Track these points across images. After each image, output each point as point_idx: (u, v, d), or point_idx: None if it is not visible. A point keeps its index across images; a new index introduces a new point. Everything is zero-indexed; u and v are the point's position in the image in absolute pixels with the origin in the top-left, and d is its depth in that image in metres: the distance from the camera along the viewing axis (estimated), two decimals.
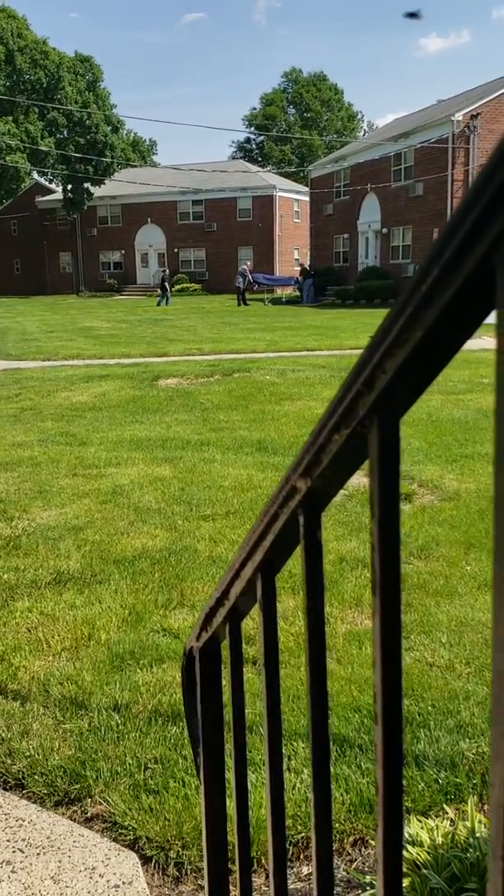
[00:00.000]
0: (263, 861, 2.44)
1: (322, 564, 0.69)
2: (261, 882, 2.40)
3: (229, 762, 1.30)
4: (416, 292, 0.43)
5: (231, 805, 1.24)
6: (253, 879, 2.41)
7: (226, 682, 1.17)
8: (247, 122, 78.12)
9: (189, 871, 2.40)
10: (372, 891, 2.02)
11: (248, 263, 44.06)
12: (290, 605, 4.07)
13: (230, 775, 1.12)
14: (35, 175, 52.70)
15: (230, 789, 1.36)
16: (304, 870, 2.46)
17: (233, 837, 1.57)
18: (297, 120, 77.00)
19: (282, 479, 0.67)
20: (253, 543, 0.78)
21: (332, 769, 2.71)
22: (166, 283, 40.04)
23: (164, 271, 44.16)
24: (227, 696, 1.22)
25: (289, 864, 2.45)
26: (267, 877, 2.46)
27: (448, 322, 0.43)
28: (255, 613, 0.90)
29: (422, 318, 0.43)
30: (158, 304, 38.13)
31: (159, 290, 40.06)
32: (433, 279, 0.41)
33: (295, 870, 2.44)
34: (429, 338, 0.44)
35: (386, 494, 0.51)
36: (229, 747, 1.25)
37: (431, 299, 0.42)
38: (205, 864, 1.55)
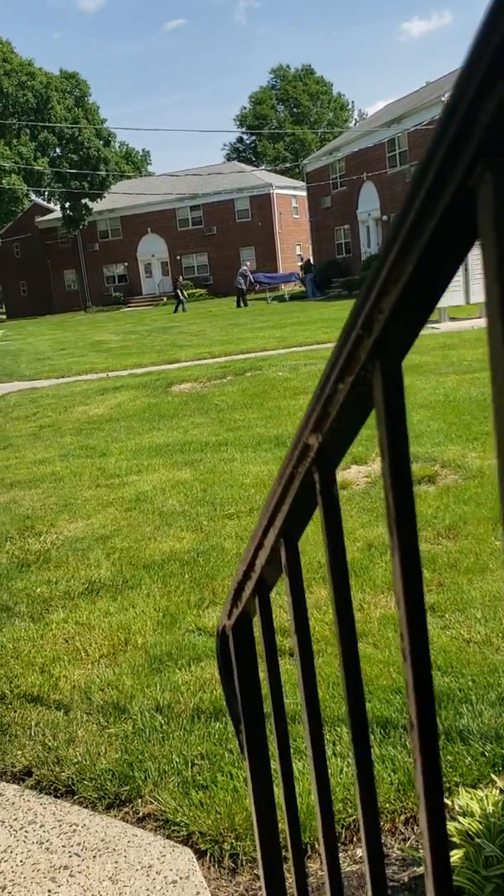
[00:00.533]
0: (317, 846, 2.45)
1: (341, 521, 0.70)
2: (316, 867, 2.41)
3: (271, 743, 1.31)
4: (404, 224, 0.44)
5: (279, 793, 1.26)
6: (308, 864, 2.42)
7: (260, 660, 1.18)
8: (238, 123, 78.19)
9: (245, 862, 2.41)
10: None
11: (249, 264, 44.08)
12: (322, 594, 4.07)
13: (273, 749, 1.13)
14: (32, 196, 53.07)
15: (277, 778, 1.37)
16: (358, 852, 2.47)
17: (284, 824, 1.59)
18: (288, 116, 76.94)
19: (293, 440, 0.68)
20: (272, 510, 0.80)
21: (377, 750, 2.72)
22: (180, 290, 40.02)
23: (178, 278, 44.19)
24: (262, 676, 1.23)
25: (342, 847, 2.46)
26: (321, 862, 2.47)
27: (437, 251, 0.44)
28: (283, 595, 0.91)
29: (411, 251, 0.44)
30: (175, 311, 38.11)
31: (175, 297, 39.98)
32: (418, 208, 0.42)
33: (349, 852, 2.45)
34: (420, 270, 0.45)
35: (393, 436, 0.52)
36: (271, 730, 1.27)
37: (418, 230, 0.43)
38: (258, 848, 1.56)
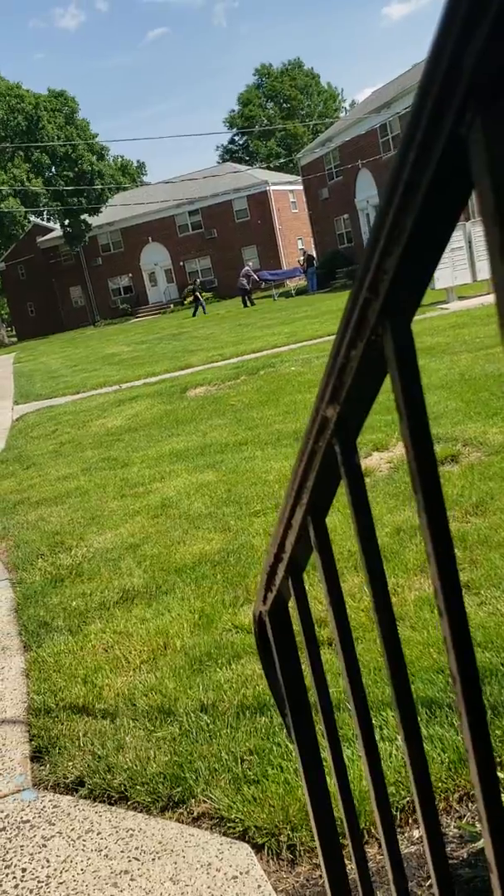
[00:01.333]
0: (373, 830, 2.45)
1: (366, 490, 0.71)
2: (374, 851, 2.41)
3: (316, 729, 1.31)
4: (399, 180, 0.44)
5: (331, 782, 1.26)
6: (366, 850, 2.42)
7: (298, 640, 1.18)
8: (228, 125, 78.25)
9: (302, 853, 2.42)
10: (477, 844, 2.02)
11: (251, 263, 44.06)
12: (355, 582, 4.07)
13: (320, 731, 1.14)
14: (31, 217, 53.41)
15: (327, 766, 1.38)
16: (416, 833, 2.47)
17: (338, 810, 1.59)
18: (278, 112, 76.86)
19: (311, 414, 0.69)
20: (297, 487, 0.80)
21: (425, 731, 2.72)
22: (198, 293, 39.85)
23: (194, 281, 44.03)
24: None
25: (398, 829, 2.46)
26: (379, 846, 2.47)
27: (435, 203, 0.44)
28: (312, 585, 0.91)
29: (409, 207, 0.44)
30: (194, 314, 37.99)
31: (194, 300, 39.75)
32: (412, 162, 0.43)
33: (406, 834, 2.45)
34: (420, 225, 0.45)
35: (410, 395, 0.52)
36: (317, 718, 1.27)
37: (415, 184, 0.43)
38: (315, 833, 1.56)
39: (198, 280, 44.42)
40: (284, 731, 2.90)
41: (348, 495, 0.70)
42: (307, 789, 1.15)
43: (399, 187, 0.45)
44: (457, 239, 15.67)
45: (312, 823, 1.15)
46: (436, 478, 0.54)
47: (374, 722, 2.87)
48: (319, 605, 3.46)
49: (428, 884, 2.24)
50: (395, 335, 0.52)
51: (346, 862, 1.65)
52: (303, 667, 1.34)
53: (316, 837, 1.17)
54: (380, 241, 0.49)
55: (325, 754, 1.38)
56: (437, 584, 0.55)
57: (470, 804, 2.50)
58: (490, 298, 15.83)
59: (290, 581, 0.97)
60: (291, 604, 1.13)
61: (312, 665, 0.99)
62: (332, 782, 1.38)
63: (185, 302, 39.91)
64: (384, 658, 0.70)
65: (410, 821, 2.50)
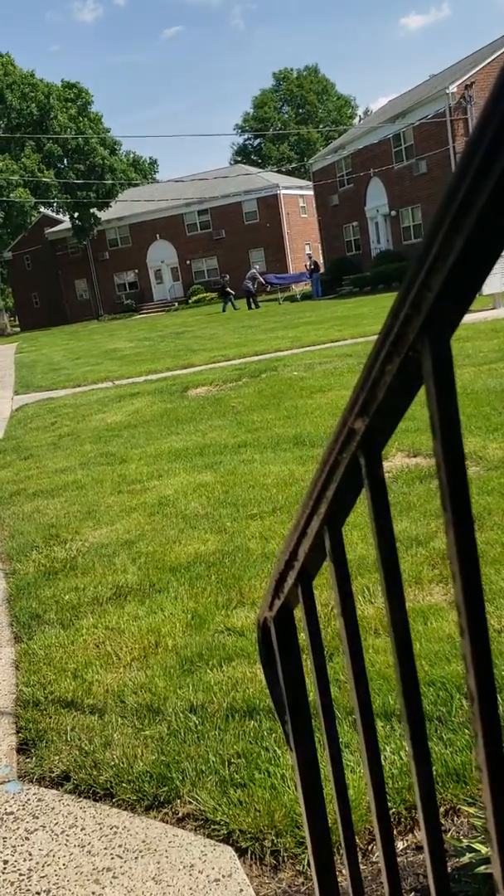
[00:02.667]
0: (357, 840, 2.45)
1: (388, 503, 0.71)
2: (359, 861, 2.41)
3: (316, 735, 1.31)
4: (453, 201, 0.44)
5: (327, 772, 1.26)
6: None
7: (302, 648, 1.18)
8: (241, 129, 78.38)
9: (286, 859, 2.42)
10: (471, 854, 2.02)
11: (258, 266, 44.04)
12: (356, 587, 4.07)
13: (319, 742, 1.14)
14: (41, 207, 53.39)
15: (324, 768, 1.38)
16: (399, 845, 2.47)
17: (332, 816, 1.59)
18: (293, 116, 77.01)
19: (337, 425, 0.69)
20: (316, 496, 0.80)
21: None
22: (228, 288, 39.27)
23: (223, 277, 43.50)
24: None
25: None
26: (364, 855, 2.47)
27: (485, 226, 0.44)
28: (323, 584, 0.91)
29: (460, 227, 0.45)
30: (223, 310, 37.55)
31: (224, 296, 39.09)
32: (468, 186, 0.43)
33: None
34: (469, 245, 0.45)
35: (447, 412, 0.52)
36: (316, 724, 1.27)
37: (467, 207, 0.44)
38: (308, 841, 1.55)
39: (226, 276, 43.90)
40: (278, 736, 2.90)
41: (370, 507, 0.70)
42: (303, 798, 1.15)
43: (452, 208, 0.45)
44: None
45: (306, 832, 1.15)
46: (467, 496, 0.54)
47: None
48: (321, 609, 3.46)
49: None
50: (434, 353, 0.53)
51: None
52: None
53: (309, 846, 1.17)
54: (428, 258, 0.49)
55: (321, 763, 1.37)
56: (461, 601, 0.55)
57: (455, 818, 2.50)
58: (495, 313, 15.85)
59: (300, 589, 0.97)
60: (297, 612, 1.13)
61: (317, 674, 0.99)
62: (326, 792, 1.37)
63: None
64: (396, 672, 0.70)
65: (395, 832, 2.50)
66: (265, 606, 1.10)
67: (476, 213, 0.43)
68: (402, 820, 2.49)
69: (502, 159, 0.41)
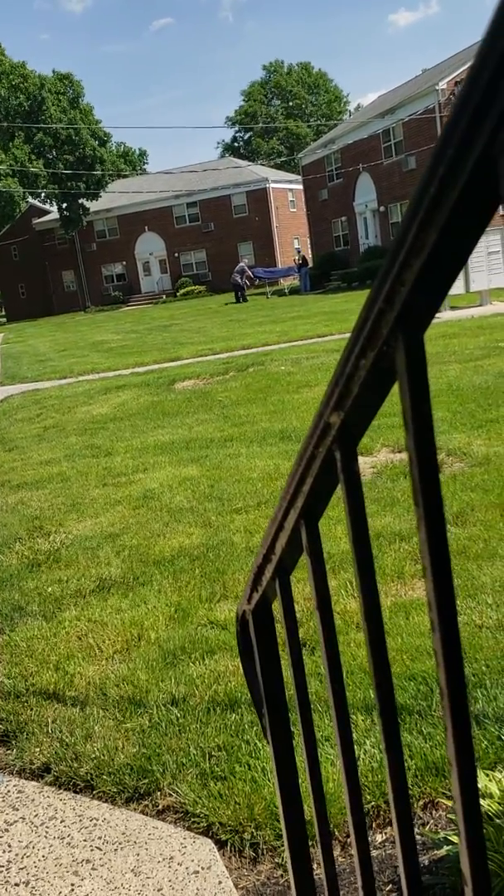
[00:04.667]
0: (337, 833, 2.46)
1: (363, 498, 0.71)
2: (336, 853, 2.42)
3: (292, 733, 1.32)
4: (425, 196, 0.44)
5: (302, 772, 1.26)
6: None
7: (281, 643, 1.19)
8: (230, 123, 78.11)
9: (265, 851, 2.43)
10: (448, 847, 2.04)
11: (246, 259, 43.84)
12: (332, 585, 4.08)
13: (298, 740, 1.14)
14: (29, 198, 53.02)
15: (300, 760, 1.38)
16: (378, 838, 2.48)
17: (308, 809, 1.60)
18: (282, 110, 76.80)
19: (314, 419, 0.69)
20: (293, 490, 0.80)
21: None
22: (242, 276, 38.23)
23: (244, 260, 42.08)
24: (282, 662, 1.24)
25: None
26: (343, 848, 2.48)
27: (458, 220, 0.44)
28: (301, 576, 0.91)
29: (433, 222, 0.45)
30: (237, 301, 36.71)
31: (239, 287, 38.10)
32: (440, 179, 0.43)
33: (369, 838, 2.46)
34: (443, 240, 0.45)
35: (418, 409, 0.52)
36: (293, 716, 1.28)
37: (441, 200, 0.44)
38: (284, 835, 1.55)
39: (243, 263, 42.61)
40: (259, 729, 2.91)
41: (346, 501, 0.71)
42: (279, 790, 1.15)
43: (424, 202, 0.45)
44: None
45: (283, 824, 1.16)
46: (438, 492, 0.54)
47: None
48: (297, 605, 3.46)
49: (388, 888, 2.26)
50: (408, 347, 0.53)
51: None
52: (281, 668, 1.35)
53: (285, 838, 1.18)
54: (401, 253, 0.49)
55: (298, 755, 1.38)
56: (433, 597, 0.55)
57: (434, 811, 2.52)
58: (481, 310, 15.91)
59: (278, 582, 0.97)
60: (275, 605, 1.13)
61: (294, 666, 0.99)
62: (302, 785, 1.38)
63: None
64: (370, 665, 0.71)
65: (374, 825, 2.51)
66: (244, 599, 1.10)
67: (448, 208, 0.43)
68: (382, 813, 2.51)
69: (475, 152, 0.41)
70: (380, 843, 2.46)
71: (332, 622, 0.85)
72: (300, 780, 1.31)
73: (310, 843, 1.41)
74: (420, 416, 0.52)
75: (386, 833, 2.49)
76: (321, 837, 1.03)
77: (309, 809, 1.41)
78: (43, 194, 53.28)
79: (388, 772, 0.73)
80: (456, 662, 0.56)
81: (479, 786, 2.14)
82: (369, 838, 2.50)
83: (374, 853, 2.42)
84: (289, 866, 1.18)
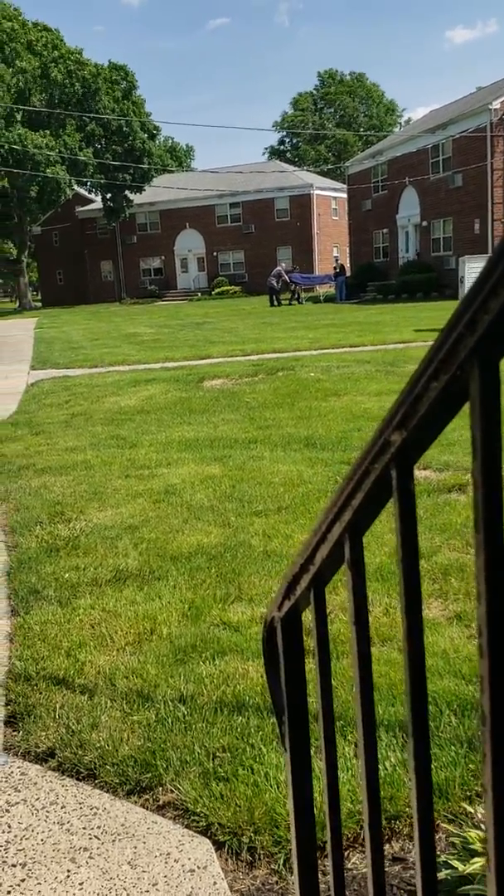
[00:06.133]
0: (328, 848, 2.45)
1: (416, 518, 0.71)
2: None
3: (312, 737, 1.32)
4: None
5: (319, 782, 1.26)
6: (327, 864, 2.43)
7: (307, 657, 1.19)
8: (278, 129, 78.21)
9: (262, 856, 2.42)
10: (447, 871, 2.02)
11: (283, 264, 43.84)
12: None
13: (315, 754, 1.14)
14: (74, 186, 53.44)
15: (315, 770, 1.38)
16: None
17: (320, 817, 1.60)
18: (331, 118, 76.80)
19: (373, 435, 0.69)
20: (341, 503, 0.81)
21: (399, 755, 2.72)
22: (290, 279, 37.99)
23: (293, 268, 41.63)
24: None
25: (359, 847, 2.46)
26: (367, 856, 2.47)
27: None
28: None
29: None
30: (291, 303, 36.69)
31: (290, 288, 37.89)
32: None
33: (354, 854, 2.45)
34: None
35: (489, 434, 0.53)
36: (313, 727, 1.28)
37: None
38: (293, 845, 1.56)
39: (283, 265, 42.15)
40: (265, 734, 2.91)
41: (397, 519, 0.71)
42: (293, 799, 1.15)
43: None
44: None
45: (292, 834, 1.16)
46: (500, 519, 0.54)
47: (350, 738, 2.87)
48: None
49: None
50: (483, 374, 0.53)
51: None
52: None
53: (294, 846, 1.18)
54: (489, 282, 0.49)
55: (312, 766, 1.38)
56: (483, 623, 0.55)
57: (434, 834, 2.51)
58: None
59: (313, 592, 0.97)
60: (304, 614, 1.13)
61: (321, 679, 0.99)
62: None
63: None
64: (406, 688, 0.71)
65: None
66: (274, 606, 1.10)
67: None
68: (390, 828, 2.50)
69: None
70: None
71: (367, 636, 0.85)
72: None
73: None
74: (489, 443, 0.52)
75: (385, 849, 2.48)
76: (333, 850, 1.03)
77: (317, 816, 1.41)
78: (89, 183, 53.65)
79: (415, 794, 0.73)
80: (501, 688, 0.56)
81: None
82: (355, 856, 2.49)
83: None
84: (295, 875, 1.18)
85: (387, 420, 0.67)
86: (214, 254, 53.75)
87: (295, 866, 1.17)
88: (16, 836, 2.57)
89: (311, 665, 1.50)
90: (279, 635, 1.09)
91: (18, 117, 45.48)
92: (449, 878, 1.96)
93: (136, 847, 2.49)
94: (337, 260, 47.59)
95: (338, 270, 39.48)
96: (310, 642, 1.17)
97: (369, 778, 0.86)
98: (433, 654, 3.43)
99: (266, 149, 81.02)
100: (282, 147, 78.54)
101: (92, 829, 2.59)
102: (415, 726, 0.70)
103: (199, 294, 51.38)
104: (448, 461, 6.25)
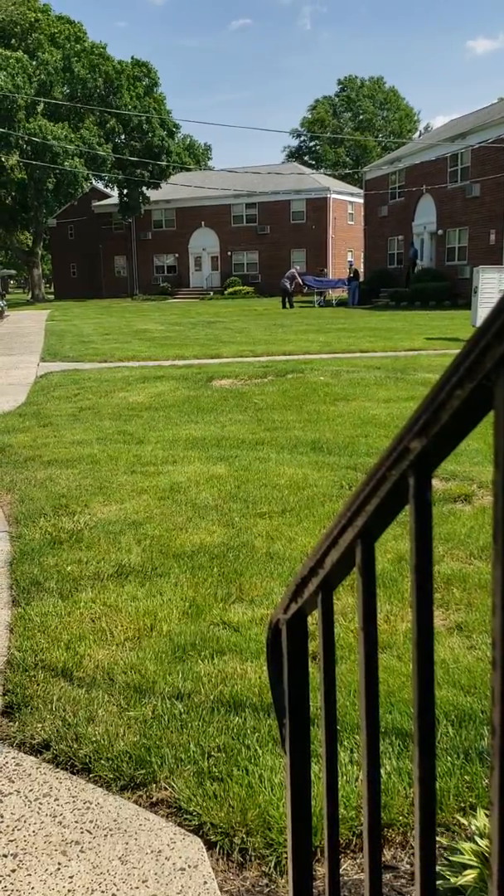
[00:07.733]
0: (320, 855, 2.45)
1: (431, 525, 0.71)
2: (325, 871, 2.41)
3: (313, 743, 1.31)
4: None
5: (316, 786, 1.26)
6: (318, 868, 2.42)
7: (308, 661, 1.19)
8: (296, 134, 78.27)
9: (253, 858, 2.42)
10: (439, 882, 2.02)
11: (298, 266, 43.84)
12: (349, 602, 4.07)
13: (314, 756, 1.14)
14: (92, 180, 53.56)
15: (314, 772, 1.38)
16: (348, 863, 2.46)
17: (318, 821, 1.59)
18: (350, 122, 76.80)
19: (392, 442, 0.69)
20: (355, 509, 0.80)
21: (395, 762, 2.71)
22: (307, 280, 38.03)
23: (295, 269, 41.71)
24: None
25: (352, 853, 2.45)
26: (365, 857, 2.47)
27: None
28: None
29: None
30: (319, 304, 36.79)
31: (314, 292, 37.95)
32: None
33: (358, 861, 2.44)
34: None
35: None
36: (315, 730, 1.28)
37: None
38: (289, 847, 1.56)
39: (295, 269, 42.32)
40: (260, 736, 2.90)
41: (413, 527, 0.70)
42: (290, 802, 1.15)
43: None
44: None
45: (289, 837, 1.15)
46: None
47: (346, 743, 2.87)
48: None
49: None
50: None
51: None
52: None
53: (290, 851, 1.17)
54: None
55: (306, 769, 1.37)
56: (498, 635, 0.55)
57: None
58: None
59: (320, 596, 0.97)
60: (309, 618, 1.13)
61: (325, 682, 0.99)
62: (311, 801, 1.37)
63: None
64: (414, 697, 0.70)
65: (347, 851, 2.50)
66: (279, 609, 1.10)
67: None
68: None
69: None
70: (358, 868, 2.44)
71: (375, 640, 0.84)
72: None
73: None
74: None
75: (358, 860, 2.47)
76: (329, 854, 1.03)
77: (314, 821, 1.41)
78: (106, 178, 53.74)
79: (418, 802, 0.73)
80: None
81: (478, 824, 2.12)
82: (359, 860, 2.48)
83: (363, 876, 2.40)
84: (289, 878, 1.17)
85: (407, 427, 0.66)
86: (229, 253, 53.77)
87: (290, 869, 1.17)
88: (8, 826, 2.57)
89: (312, 669, 1.50)
90: (284, 637, 1.09)
91: (39, 109, 45.60)
92: (441, 889, 1.95)
93: (127, 843, 2.49)
94: (351, 265, 47.52)
95: (352, 275, 39.45)
96: (310, 645, 1.16)
97: (370, 778, 0.86)
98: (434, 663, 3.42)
99: (285, 148, 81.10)
100: (300, 149, 78.56)
101: (84, 823, 2.59)
102: (421, 738, 0.69)
103: (212, 293, 51.40)
104: (455, 471, 6.24)
